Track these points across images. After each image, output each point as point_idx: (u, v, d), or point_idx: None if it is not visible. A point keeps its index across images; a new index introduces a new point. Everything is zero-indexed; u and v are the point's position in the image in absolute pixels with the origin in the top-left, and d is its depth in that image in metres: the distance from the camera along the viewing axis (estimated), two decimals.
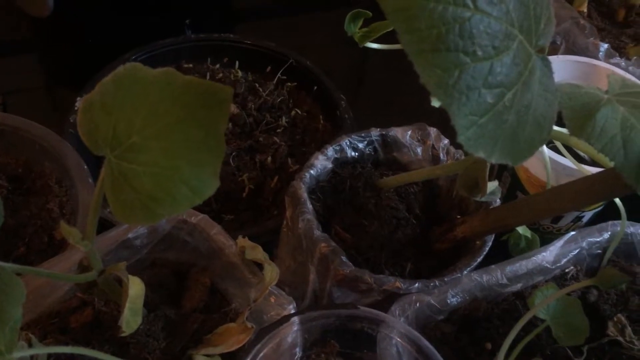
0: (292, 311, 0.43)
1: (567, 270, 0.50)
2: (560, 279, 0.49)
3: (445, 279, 0.45)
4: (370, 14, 0.48)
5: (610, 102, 0.33)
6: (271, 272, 0.44)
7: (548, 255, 0.47)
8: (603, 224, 0.50)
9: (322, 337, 0.42)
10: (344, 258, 0.46)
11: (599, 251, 0.50)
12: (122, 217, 0.30)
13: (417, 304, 0.44)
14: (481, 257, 0.47)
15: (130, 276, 0.41)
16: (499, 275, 0.46)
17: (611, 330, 0.46)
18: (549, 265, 0.47)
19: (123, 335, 0.41)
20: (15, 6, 0.71)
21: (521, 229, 0.49)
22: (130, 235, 0.46)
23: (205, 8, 0.83)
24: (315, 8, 0.85)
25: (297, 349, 0.42)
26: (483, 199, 0.46)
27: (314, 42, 0.79)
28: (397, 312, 0.44)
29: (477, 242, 0.48)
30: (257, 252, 0.45)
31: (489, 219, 0.47)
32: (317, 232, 0.47)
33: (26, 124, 0.56)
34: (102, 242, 0.45)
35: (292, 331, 0.42)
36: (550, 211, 0.43)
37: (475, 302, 0.46)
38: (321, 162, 0.52)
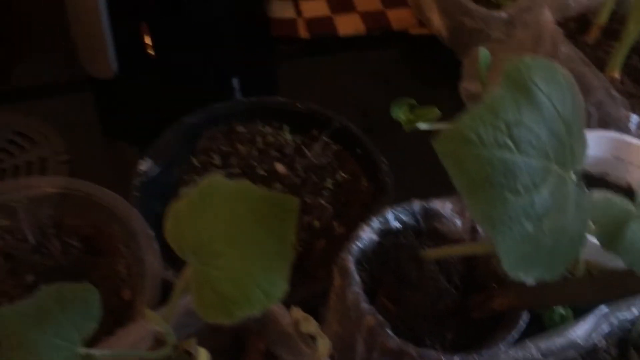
0: None
1: (598, 344, 0.53)
2: (592, 353, 0.52)
3: (483, 354, 0.49)
4: (415, 102, 0.53)
5: (638, 219, 0.36)
6: (324, 346, 0.48)
7: (580, 331, 0.50)
8: (631, 300, 0.53)
9: None
10: (389, 331, 0.50)
11: (628, 326, 0.53)
12: (204, 314, 0.35)
13: None
14: (517, 332, 0.51)
15: (201, 349, 0.45)
16: (533, 351, 0.49)
17: None
18: (580, 342, 0.50)
19: None
20: (80, 67, 0.77)
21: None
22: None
23: (253, 70, 0.89)
24: (361, 71, 0.90)
25: None
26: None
27: (358, 102, 0.84)
28: None
29: (515, 314, 0.52)
30: (310, 325, 0.49)
31: (527, 295, 0.51)
32: (365, 305, 0.51)
33: (97, 190, 0.62)
34: (167, 312, 0.49)
35: None
36: (593, 298, 0.47)
37: None
38: (367, 234, 0.56)
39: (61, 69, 0.83)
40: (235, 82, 0.84)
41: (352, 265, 0.54)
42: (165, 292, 0.57)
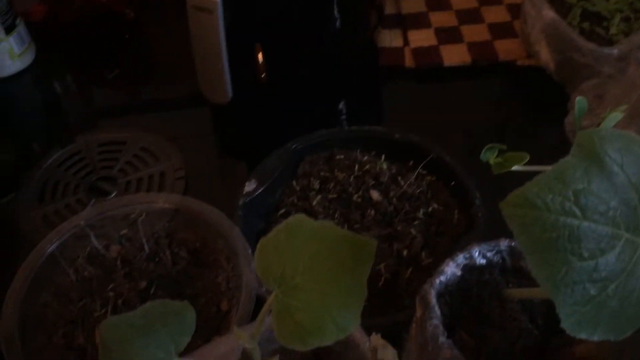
0: None
1: None
2: None
3: None
4: (505, 146, 0.54)
5: None
6: None
7: None
8: None
9: None
10: None
11: None
12: (283, 340, 0.39)
13: None
14: None
15: None
16: None
17: None
18: None
19: None
20: (200, 94, 0.85)
21: None
22: None
23: (360, 97, 0.92)
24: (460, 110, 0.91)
25: None
26: None
27: (462, 132, 0.85)
28: None
29: None
30: (387, 353, 0.52)
31: (605, 348, 0.51)
32: (442, 339, 0.53)
33: (205, 208, 0.68)
34: (257, 330, 0.54)
35: None
36: None
37: None
38: (451, 269, 0.58)
39: (185, 95, 0.92)
40: (341, 108, 0.88)
41: (433, 299, 0.56)
42: (258, 307, 0.62)
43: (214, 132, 0.89)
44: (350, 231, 0.40)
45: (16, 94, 0.95)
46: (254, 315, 0.62)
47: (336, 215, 0.73)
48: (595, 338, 0.33)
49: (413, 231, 0.70)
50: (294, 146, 0.77)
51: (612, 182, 0.33)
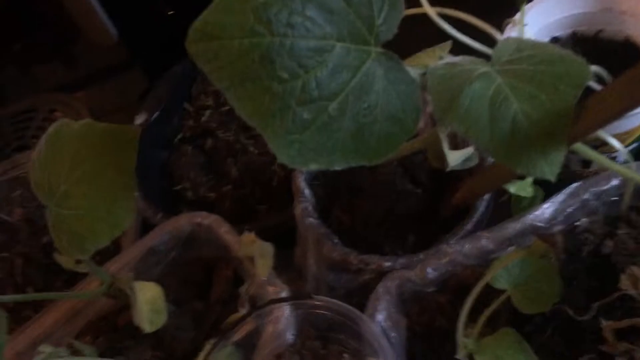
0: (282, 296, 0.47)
1: (580, 224, 0.47)
2: (570, 234, 0.46)
3: (429, 252, 0.46)
4: None
5: (483, 76, 0.31)
6: (262, 266, 0.48)
7: (541, 213, 0.45)
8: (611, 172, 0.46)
9: (302, 323, 0.45)
10: (333, 241, 0.48)
11: (616, 198, 0.46)
12: (64, 252, 0.37)
13: (399, 280, 0.45)
14: (470, 223, 0.47)
15: (143, 282, 0.48)
16: (483, 242, 0.45)
17: (624, 284, 0.43)
18: (542, 224, 0.45)
19: (150, 331, 0.48)
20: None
21: (516, 186, 0.47)
22: (153, 243, 0.53)
23: None
24: None
25: (288, 333, 0.46)
26: (456, 168, 0.45)
27: None
28: (381, 291, 0.45)
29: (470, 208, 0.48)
30: (253, 248, 0.49)
31: (477, 179, 0.47)
32: (310, 219, 0.50)
33: None
34: (130, 253, 0.52)
35: (283, 316, 0.46)
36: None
37: (466, 270, 0.46)
38: None
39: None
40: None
41: (302, 182, 0.52)
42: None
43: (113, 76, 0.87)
44: (109, 123, 0.37)
45: None
46: None
47: (233, 128, 0.69)
48: (338, 166, 0.30)
49: None
50: (179, 69, 0.74)
51: None
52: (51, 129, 0.38)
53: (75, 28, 0.92)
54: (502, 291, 0.41)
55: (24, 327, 0.51)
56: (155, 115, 0.71)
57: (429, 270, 0.45)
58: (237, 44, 0.28)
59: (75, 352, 0.49)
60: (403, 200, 0.51)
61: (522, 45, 0.33)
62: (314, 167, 0.29)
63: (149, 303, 0.48)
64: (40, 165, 0.37)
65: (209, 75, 0.29)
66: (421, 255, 0.46)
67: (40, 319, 0.50)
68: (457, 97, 0.31)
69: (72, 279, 0.59)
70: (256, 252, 0.49)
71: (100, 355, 0.51)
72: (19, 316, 0.59)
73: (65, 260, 0.37)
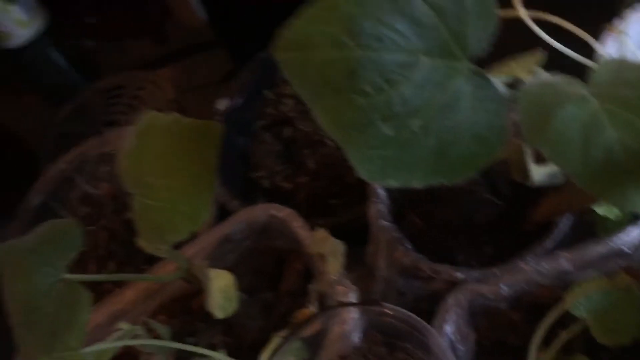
0: (352, 300, 0.47)
1: None
2: None
3: (504, 268, 0.45)
4: None
5: (578, 100, 0.30)
6: (333, 264, 0.48)
7: (628, 237, 0.43)
8: None
9: (369, 327, 0.45)
10: (405, 246, 0.48)
11: None
12: (145, 239, 0.38)
13: (471, 294, 0.44)
14: (550, 241, 0.45)
15: (217, 270, 0.49)
16: (562, 262, 0.43)
17: None
18: (628, 250, 0.42)
19: (221, 318, 0.49)
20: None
21: (604, 208, 0.45)
22: (228, 231, 0.54)
23: None
24: None
25: (355, 335, 0.46)
26: (540, 184, 0.43)
27: None
28: (451, 302, 0.44)
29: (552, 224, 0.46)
30: (325, 246, 0.50)
31: (563, 197, 0.45)
32: (383, 222, 0.49)
33: None
34: (205, 239, 0.54)
35: (350, 319, 0.46)
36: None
37: (542, 290, 0.45)
38: None
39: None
40: None
41: None
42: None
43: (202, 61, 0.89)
44: (194, 119, 0.38)
45: (31, 61, 1.00)
46: None
47: (312, 119, 0.69)
48: (416, 184, 0.29)
49: None
50: (264, 56, 0.74)
51: (394, 1, 0.28)
52: (142, 121, 0.39)
53: (166, 7, 0.95)
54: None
55: (104, 301, 0.53)
56: (237, 101, 0.72)
57: (503, 286, 0.44)
58: (322, 54, 0.28)
59: (150, 330, 0.51)
60: (481, 210, 0.50)
61: (624, 67, 0.31)
62: (392, 183, 0.29)
63: (221, 290, 0.49)
64: (129, 154, 0.39)
65: (293, 84, 0.29)
66: (495, 270, 0.45)
67: (120, 296, 0.53)
68: (548, 119, 0.29)
69: (152, 256, 0.61)
70: (328, 250, 0.49)
71: (173, 335, 0.53)
72: (100, 288, 0.62)
73: (145, 245, 0.38)
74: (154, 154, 0.38)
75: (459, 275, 0.45)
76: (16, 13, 0.98)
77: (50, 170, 0.70)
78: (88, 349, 0.40)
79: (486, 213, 0.50)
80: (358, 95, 0.28)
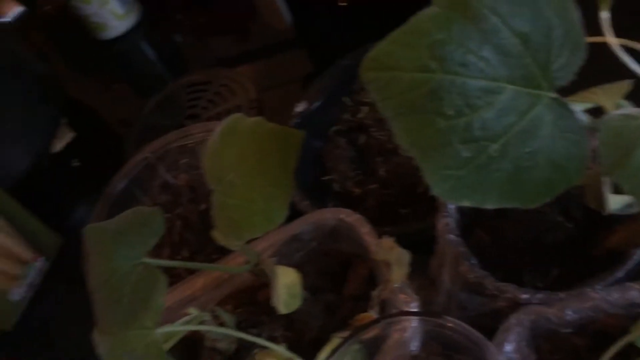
0: (414, 309, 0.48)
1: None
2: None
3: (571, 293, 0.44)
4: None
5: None
6: (397, 273, 0.49)
7: None
8: None
9: (428, 337, 0.46)
10: (471, 262, 0.48)
11: None
12: (222, 234, 0.40)
13: (534, 316, 0.44)
14: (621, 271, 0.44)
15: (284, 267, 0.51)
16: (633, 294, 0.43)
17: None
18: None
19: (284, 313, 0.51)
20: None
21: None
22: (298, 231, 0.56)
23: None
24: None
25: (413, 343, 0.47)
26: (616, 213, 0.43)
27: None
28: (513, 322, 0.45)
29: (626, 253, 0.45)
30: (390, 254, 0.51)
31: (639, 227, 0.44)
32: (450, 236, 0.50)
33: None
34: (275, 236, 0.56)
35: (410, 327, 0.47)
36: None
37: (609, 318, 0.44)
38: None
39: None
40: None
41: None
42: None
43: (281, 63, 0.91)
44: (277, 124, 0.39)
45: (124, 53, 1.06)
46: None
47: (387, 128, 0.70)
48: (489, 205, 0.30)
49: None
50: (345, 62, 0.76)
51: (480, 28, 0.28)
52: (226, 121, 0.42)
53: (253, 7, 0.99)
54: None
55: (177, 286, 0.56)
56: (315, 105, 0.74)
57: (569, 311, 0.44)
58: (408, 77, 0.29)
59: (216, 317, 0.54)
60: (551, 232, 0.50)
61: None
62: (465, 203, 0.30)
63: (287, 287, 0.51)
64: (213, 152, 0.41)
65: (377, 103, 0.30)
66: (562, 295, 0.45)
67: (191, 282, 0.56)
68: (629, 154, 0.29)
69: (222, 246, 0.64)
70: (393, 258, 0.50)
71: (238, 324, 0.55)
72: (172, 272, 0.65)
73: (220, 238, 0.41)
74: (236, 154, 0.40)
75: (524, 296, 0.45)
76: (114, 6, 1.03)
77: (134, 158, 0.74)
78: (159, 330, 0.42)
79: (556, 235, 0.50)
80: (439, 117, 0.29)
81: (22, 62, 0.88)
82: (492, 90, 0.29)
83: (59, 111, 0.89)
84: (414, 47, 0.29)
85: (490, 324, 0.46)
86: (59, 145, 0.89)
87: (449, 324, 0.42)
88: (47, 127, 0.87)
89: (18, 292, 0.75)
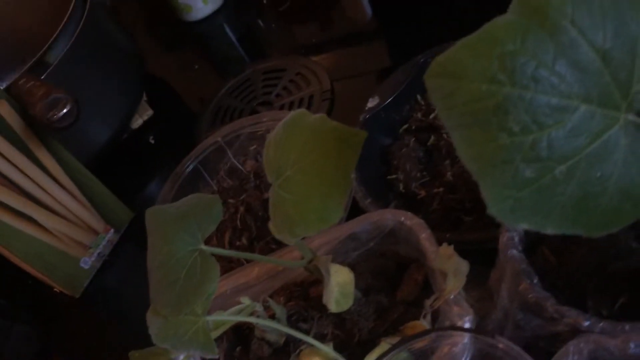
0: (467, 324, 0.46)
1: None
2: None
3: (638, 325, 0.42)
4: None
5: None
6: (454, 283, 0.48)
7: None
8: None
9: (478, 354, 0.44)
10: (532, 281, 0.46)
11: None
12: (277, 228, 0.40)
13: (594, 345, 0.42)
14: None
15: (338, 266, 0.51)
16: None
17: None
18: None
19: (334, 312, 0.51)
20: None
21: None
22: (356, 230, 0.55)
23: None
24: None
25: (463, 358, 0.45)
26: None
27: None
28: (571, 349, 0.42)
29: None
30: (448, 263, 0.49)
31: None
32: (513, 251, 0.48)
33: None
34: (332, 233, 0.55)
35: (460, 342, 0.45)
36: None
37: None
38: None
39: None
40: None
41: None
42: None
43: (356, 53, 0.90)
44: (340, 123, 0.39)
45: (206, 35, 1.08)
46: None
47: None
48: (549, 230, 0.29)
49: None
50: (421, 59, 0.74)
51: (557, 40, 0.27)
52: (290, 116, 0.41)
53: None
54: None
55: (233, 272, 0.57)
56: (387, 101, 0.73)
57: (633, 345, 0.41)
58: (474, 87, 0.27)
59: (267, 308, 0.54)
60: (623, 257, 0.47)
61: None
62: (523, 226, 0.28)
63: (339, 286, 0.51)
64: (274, 146, 0.41)
65: (439, 111, 0.29)
66: (627, 326, 0.42)
67: (246, 271, 0.56)
68: None
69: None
70: (451, 268, 0.49)
71: (288, 317, 0.55)
72: (230, 257, 0.66)
73: (275, 232, 0.41)
74: (297, 149, 0.40)
75: (586, 322, 0.43)
76: None
77: (206, 141, 0.75)
78: (210, 317, 0.43)
79: (627, 262, 0.47)
80: (503, 132, 0.27)
81: (113, 38, 0.91)
82: (564, 108, 0.27)
83: (141, 88, 0.92)
84: (484, 57, 0.27)
85: (545, 347, 0.44)
86: (138, 121, 0.92)
87: (501, 346, 0.41)
88: (129, 103, 0.90)
89: (88, 261, 0.78)
